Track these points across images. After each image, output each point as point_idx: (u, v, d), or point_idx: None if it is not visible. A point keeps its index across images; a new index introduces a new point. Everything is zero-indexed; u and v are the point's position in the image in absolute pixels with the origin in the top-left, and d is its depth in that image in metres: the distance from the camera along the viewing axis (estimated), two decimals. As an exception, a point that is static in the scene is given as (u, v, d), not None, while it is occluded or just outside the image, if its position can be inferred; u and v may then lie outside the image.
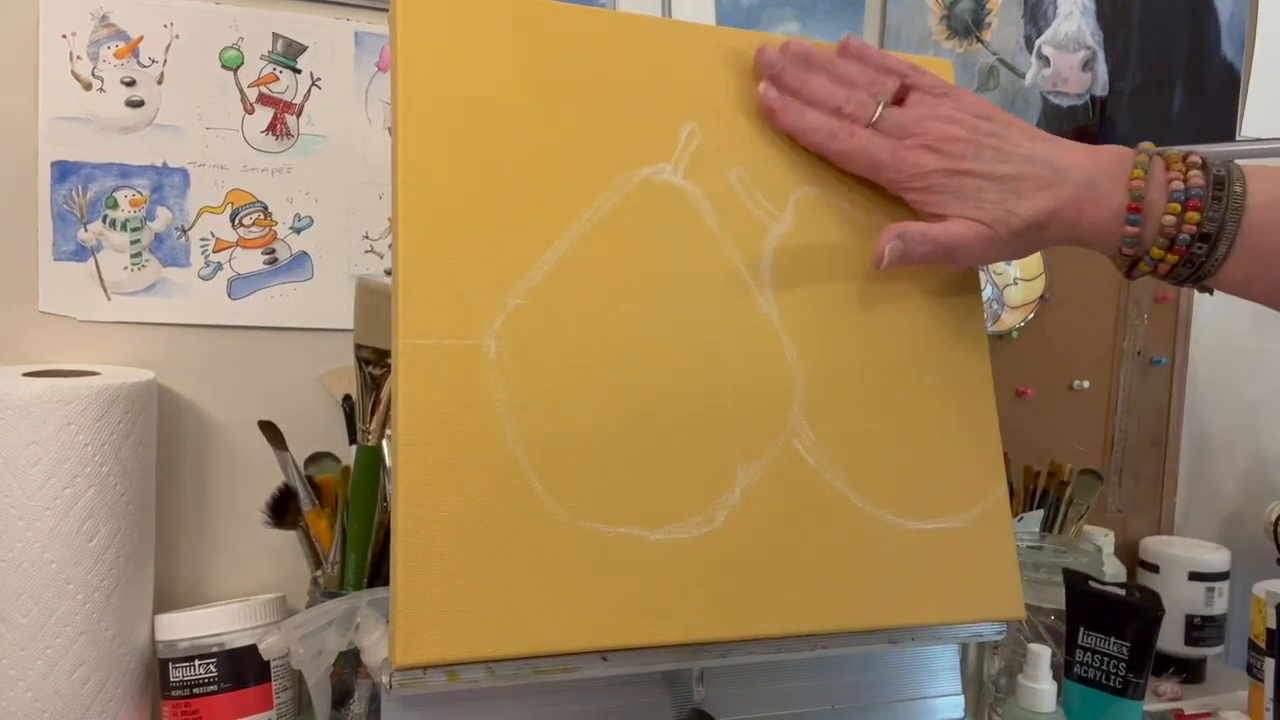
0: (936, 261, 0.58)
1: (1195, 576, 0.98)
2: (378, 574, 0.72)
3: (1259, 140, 1.07)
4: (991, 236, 0.56)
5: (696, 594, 0.52)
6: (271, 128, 0.81)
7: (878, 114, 0.58)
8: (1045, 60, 1.03)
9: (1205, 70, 1.08)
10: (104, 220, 0.77)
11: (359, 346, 0.71)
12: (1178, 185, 0.54)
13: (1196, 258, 0.54)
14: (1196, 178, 0.54)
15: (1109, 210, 0.55)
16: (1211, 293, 0.57)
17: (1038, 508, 0.93)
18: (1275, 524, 1.02)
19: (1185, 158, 0.55)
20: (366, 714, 0.67)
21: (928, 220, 0.58)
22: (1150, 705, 0.85)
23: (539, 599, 0.49)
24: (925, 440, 0.60)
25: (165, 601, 0.77)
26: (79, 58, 0.76)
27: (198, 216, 0.79)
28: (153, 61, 0.77)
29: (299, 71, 0.81)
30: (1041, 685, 0.65)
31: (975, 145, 0.56)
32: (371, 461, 0.71)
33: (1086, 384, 1.04)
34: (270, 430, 0.74)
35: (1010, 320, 1.01)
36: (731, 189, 0.59)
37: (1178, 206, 0.54)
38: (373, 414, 0.71)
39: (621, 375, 0.54)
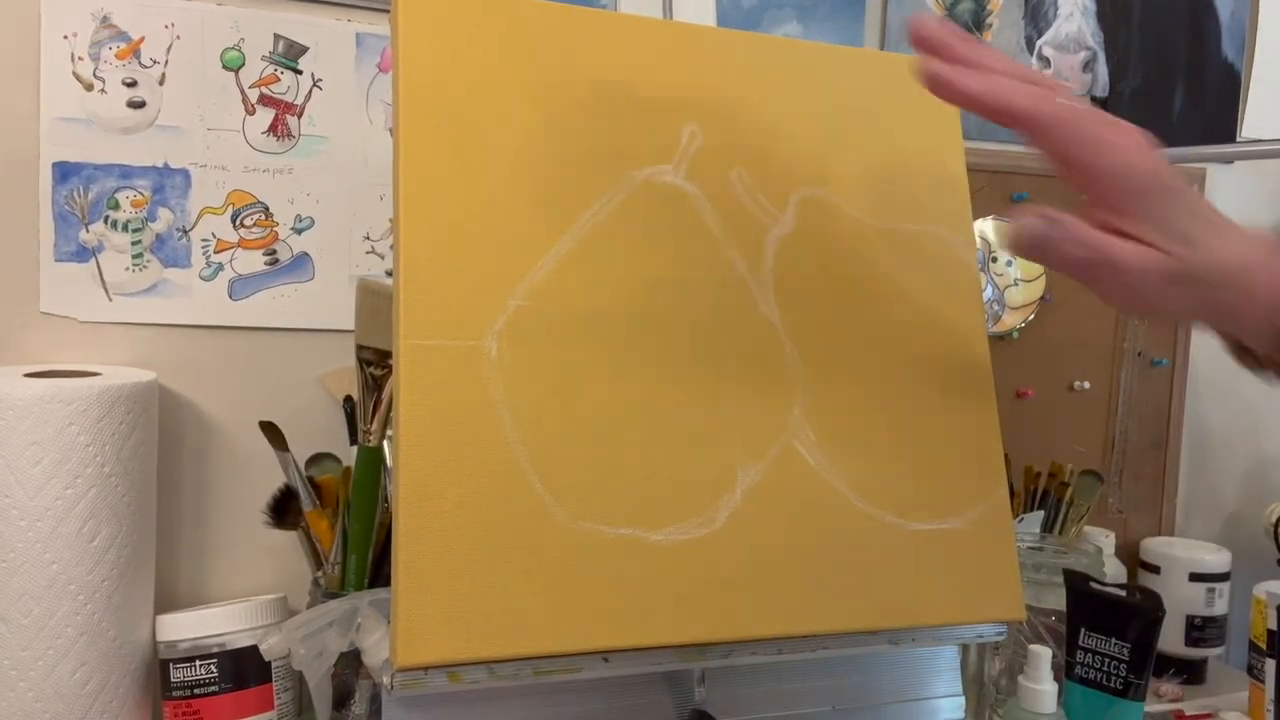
0: (1077, 271, 0.49)
1: (1196, 577, 0.98)
2: (379, 575, 0.72)
3: (1259, 141, 1.07)
4: (1163, 272, 0.47)
5: (697, 595, 0.52)
6: (273, 128, 0.81)
7: (1073, 96, 0.49)
8: (1046, 61, 1.03)
9: (1205, 71, 1.08)
10: (105, 221, 0.77)
11: (360, 347, 0.71)
12: None
13: None
14: None
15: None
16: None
17: (1038, 508, 0.93)
18: (1276, 525, 1.02)
19: None
20: (367, 715, 0.67)
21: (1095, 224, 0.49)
22: (1151, 706, 0.85)
23: (540, 600, 0.49)
24: (926, 441, 0.60)
25: (166, 602, 0.77)
26: (80, 58, 0.76)
27: (199, 217, 0.79)
28: (154, 62, 0.77)
29: (300, 72, 0.81)
30: (1042, 686, 0.65)
31: (1171, 170, 0.49)
32: (373, 462, 0.71)
33: (1087, 385, 1.04)
34: (271, 431, 0.74)
35: (1011, 321, 1.01)
36: (732, 189, 0.59)
37: None
38: (374, 415, 0.71)
39: (622, 376, 0.54)
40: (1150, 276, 0.48)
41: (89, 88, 0.76)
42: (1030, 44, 1.03)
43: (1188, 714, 0.88)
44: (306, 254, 0.82)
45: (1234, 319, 0.49)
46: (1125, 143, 0.48)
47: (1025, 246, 0.49)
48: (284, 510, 0.75)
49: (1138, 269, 0.48)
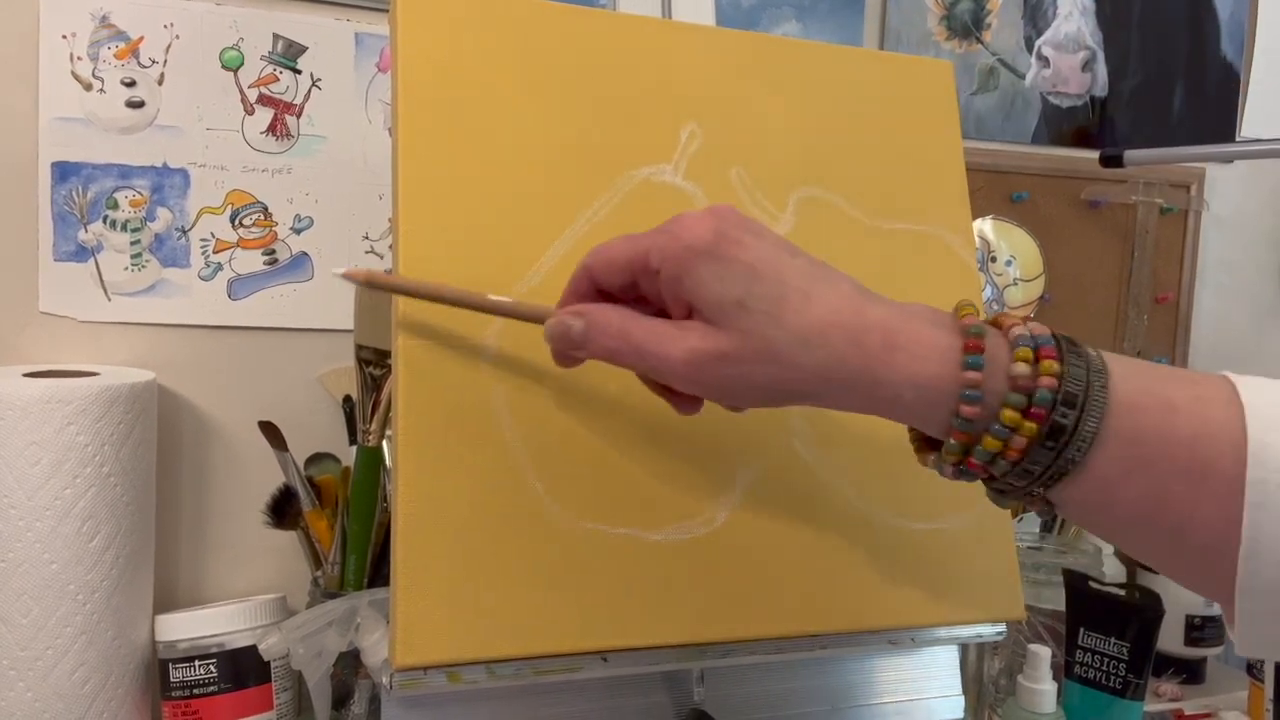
0: (622, 364, 0.44)
1: (1195, 577, 0.98)
2: (378, 574, 0.72)
3: (1258, 140, 1.07)
4: (694, 352, 0.41)
5: (697, 595, 0.52)
6: (272, 128, 0.81)
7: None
8: (1045, 61, 1.03)
9: (1205, 70, 1.08)
10: (104, 221, 0.77)
11: (359, 347, 0.71)
12: (1020, 331, 0.39)
13: (1060, 430, 0.37)
14: (1037, 327, 0.39)
15: (934, 353, 0.39)
16: (1054, 518, 0.42)
17: (1038, 508, 0.93)
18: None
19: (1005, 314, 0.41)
20: (367, 714, 0.67)
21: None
22: (1150, 706, 0.85)
23: (539, 599, 0.49)
24: (925, 441, 0.60)
25: (165, 602, 0.77)
26: (79, 58, 0.76)
27: (198, 217, 0.79)
28: (153, 62, 0.77)
29: (299, 72, 0.81)
30: (1041, 686, 0.65)
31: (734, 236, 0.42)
32: (372, 462, 0.71)
33: (1086, 384, 1.04)
34: (270, 431, 0.74)
35: (1010, 321, 1.01)
36: (732, 189, 0.59)
37: (1028, 352, 0.38)
38: (373, 414, 0.71)
39: (621, 376, 0.54)
40: (676, 360, 0.40)
41: (88, 87, 0.76)
42: (1029, 44, 1.03)
43: (1187, 713, 0.88)
44: (305, 254, 0.82)
45: (816, 397, 0.41)
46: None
47: (554, 352, 0.45)
48: (283, 510, 0.75)
49: (660, 354, 0.41)
